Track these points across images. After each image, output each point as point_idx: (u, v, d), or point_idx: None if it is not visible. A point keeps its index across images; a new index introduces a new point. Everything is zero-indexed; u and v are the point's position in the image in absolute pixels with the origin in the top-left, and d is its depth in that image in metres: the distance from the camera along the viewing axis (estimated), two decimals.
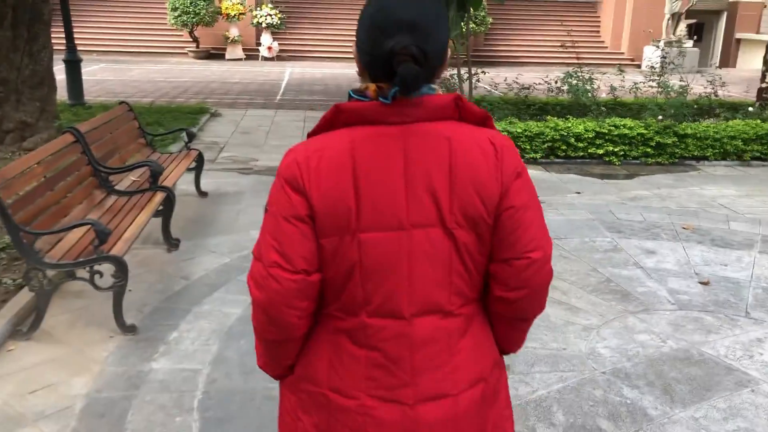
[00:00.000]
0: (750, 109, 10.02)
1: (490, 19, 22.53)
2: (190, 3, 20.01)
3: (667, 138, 8.38)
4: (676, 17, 21.82)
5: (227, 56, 21.35)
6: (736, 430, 3.06)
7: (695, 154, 8.54)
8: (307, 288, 1.37)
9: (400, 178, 1.35)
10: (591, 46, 23.16)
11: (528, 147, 8.27)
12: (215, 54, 21.50)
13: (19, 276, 4.23)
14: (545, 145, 8.29)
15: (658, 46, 20.98)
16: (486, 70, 10.37)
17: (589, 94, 9.52)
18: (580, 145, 8.31)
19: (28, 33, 7.68)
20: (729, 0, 24.99)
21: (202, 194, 6.44)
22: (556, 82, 9.86)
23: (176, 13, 20.19)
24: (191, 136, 6.52)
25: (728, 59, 24.98)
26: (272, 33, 21.61)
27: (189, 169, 6.32)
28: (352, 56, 1.45)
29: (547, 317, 4.12)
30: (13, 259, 4.54)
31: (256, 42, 21.88)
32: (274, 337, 1.45)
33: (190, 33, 20.91)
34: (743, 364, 3.63)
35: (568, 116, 8.92)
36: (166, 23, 21.11)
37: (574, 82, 9.61)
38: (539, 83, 10.57)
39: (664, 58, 9.66)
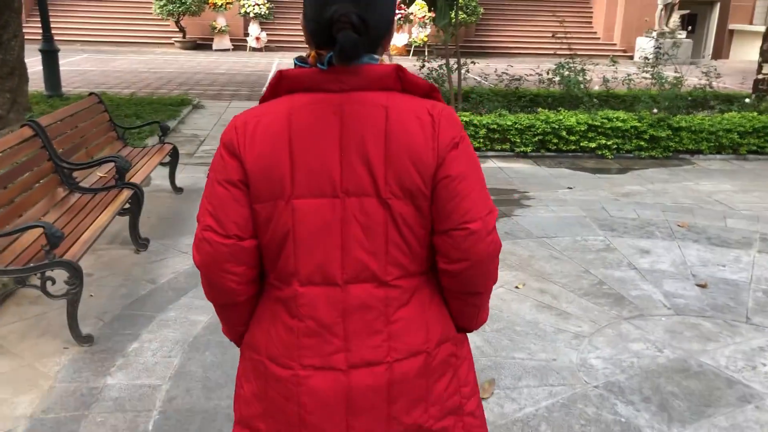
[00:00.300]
0: (746, 100, 9.76)
1: (482, 9, 22.20)
2: None
3: (661, 131, 8.13)
4: (669, 8, 21.53)
5: (214, 47, 20.96)
6: None
7: (690, 147, 8.29)
8: (239, 253, 1.38)
9: (335, 145, 1.34)
10: (583, 37, 22.88)
11: (518, 140, 8.00)
12: (202, 44, 21.11)
13: None
14: (536, 138, 8.03)
15: (651, 37, 20.73)
16: (476, 60, 10.06)
17: (582, 86, 9.24)
18: (572, 138, 8.05)
19: None
20: None
21: (178, 190, 6.15)
22: (547, 74, 9.58)
23: (162, 2, 19.76)
24: (165, 130, 6.21)
25: (721, 50, 24.74)
26: (260, 23, 21.22)
27: (164, 164, 6.04)
28: None
29: (536, 324, 3.87)
30: None
31: (244, 32, 21.50)
32: (218, 300, 1.48)
33: (177, 23, 20.49)
34: (745, 376, 3.38)
35: (560, 108, 8.65)
36: (152, 13, 20.68)
37: (566, 73, 9.33)
38: (530, 74, 10.29)
39: (659, 49, 9.37)
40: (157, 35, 21.36)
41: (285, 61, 18.92)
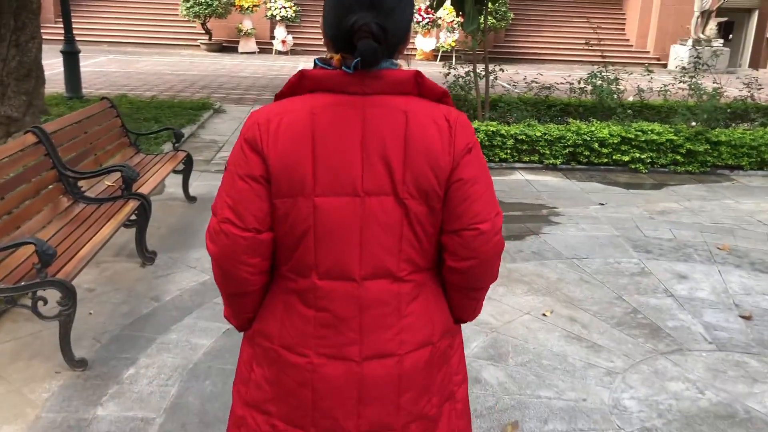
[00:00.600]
0: None
1: (511, 14, 21.81)
2: None
3: (699, 145, 7.73)
4: (705, 15, 20.95)
5: (240, 49, 20.86)
6: None
7: (729, 162, 7.87)
8: (257, 245, 1.42)
9: (357, 146, 1.39)
10: (615, 44, 22.35)
11: (547, 152, 7.67)
12: (228, 47, 21.02)
13: None
14: (566, 150, 7.68)
15: (686, 45, 20.17)
16: (505, 67, 9.73)
17: (615, 96, 8.86)
18: (604, 150, 7.69)
19: (15, 22, 7.19)
20: None
21: (191, 199, 5.93)
22: (579, 82, 9.21)
23: (189, 4, 19.70)
24: (179, 137, 5.99)
25: (759, 59, 24.03)
26: (287, 26, 21.08)
27: (177, 172, 5.82)
28: None
29: (564, 357, 3.56)
30: None
31: (270, 35, 21.37)
32: (230, 290, 1.52)
33: (203, 25, 20.43)
34: None
35: (592, 119, 8.30)
36: (178, 14, 20.64)
37: (599, 82, 8.96)
38: (561, 82, 9.94)
39: (698, 58, 8.93)
40: (183, 37, 21.33)
41: (310, 65, 18.69)
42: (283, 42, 20.86)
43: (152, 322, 3.79)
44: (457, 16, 8.12)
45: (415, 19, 20.21)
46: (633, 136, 7.68)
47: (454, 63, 9.48)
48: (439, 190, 1.41)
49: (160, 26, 21.62)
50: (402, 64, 1.46)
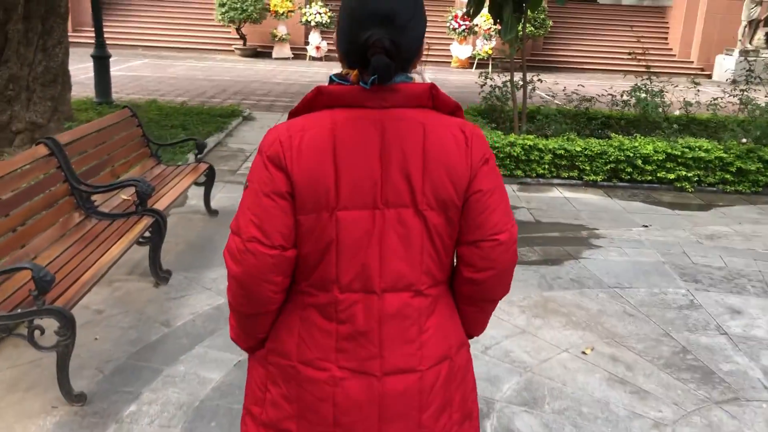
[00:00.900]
0: None
1: (550, 23, 21.32)
2: None
3: (751, 163, 7.27)
4: (753, 24, 20.22)
5: (274, 55, 20.75)
6: None
7: None
8: (282, 263, 1.42)
9: (377, 159, 1.40)
10: (658, 54, 21.70)
11: (588, 168, 7.28)
12: (262, 52, 20.93)
13: None
14: (608, 167, 7.29)
15: (733, 55, 19.48)
16: (544, 76, 9.35)
17: (660, 110, 8.42)
18: (648, 168, 7.27)
19: (42, 26, 7.08)
20: None
21: (213, 213, 5.70)
22: (621, 95, 8.79)
23: (224, 9, 19.65)
24: (201, 148, 5.77)
25: None
26: (321, 32, 20.90)
27: (199, 184, 5.60)
28: None
29: (606, 404, 3.22)
30: None
31: (304, 41, 21.21)
32: (248, 310, 1.49)
33: (238, 30, 20.36)
34: None
35: (635, 134, 7.88)
36: (213, 19, 20.63)
37: (643, 95, 8.53)
38: (602, 94, 9.52)
39: (750, 71, 8.43)
40: (218, 42, 21.30)
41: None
42: (318, 48, 20.69)
43: (160, 351, 3.54)
44: (495, 23, 7.78)
45: (451, 26, 20.06)
46: (679, 153, 7.25)
47: (490, 71, 9.11)
48: (457, 201, 1.43)
49: (195, 31, 21.63)
50: (416, 77, 1.49)
